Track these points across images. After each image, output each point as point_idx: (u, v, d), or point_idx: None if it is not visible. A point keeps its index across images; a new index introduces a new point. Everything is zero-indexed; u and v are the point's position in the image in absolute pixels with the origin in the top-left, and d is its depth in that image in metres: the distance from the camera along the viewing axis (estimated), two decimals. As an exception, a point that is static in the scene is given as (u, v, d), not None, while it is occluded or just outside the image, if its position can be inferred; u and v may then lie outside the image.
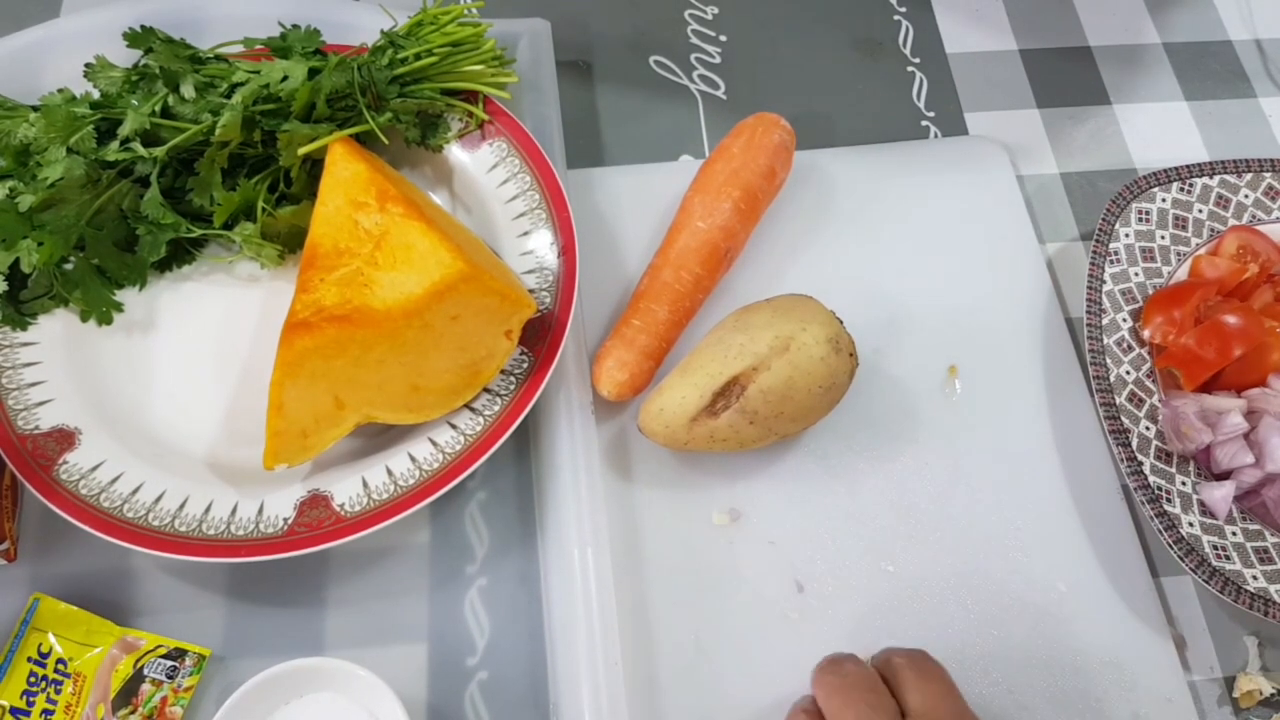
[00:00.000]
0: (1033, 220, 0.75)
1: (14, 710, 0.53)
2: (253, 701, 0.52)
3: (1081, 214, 0.76)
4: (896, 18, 0.85)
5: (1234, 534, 0.61)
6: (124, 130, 0.59)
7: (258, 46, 0.65)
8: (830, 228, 0.73)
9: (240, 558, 0.53)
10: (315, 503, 0.55)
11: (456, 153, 0.67)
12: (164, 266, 0.64)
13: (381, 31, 0.66)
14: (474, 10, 0.69)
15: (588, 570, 0.56)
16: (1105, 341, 0.65)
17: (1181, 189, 0.71)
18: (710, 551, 0.61)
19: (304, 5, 0.69)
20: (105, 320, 0.61)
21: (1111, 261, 0.68)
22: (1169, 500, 0.61)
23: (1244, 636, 0.62)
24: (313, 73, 0.61)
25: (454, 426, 0.58)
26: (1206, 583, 0.58)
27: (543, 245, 0.63)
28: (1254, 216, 0.72)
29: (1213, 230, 0.71)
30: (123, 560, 0.58)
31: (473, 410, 0.58)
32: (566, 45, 0.78)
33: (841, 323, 0.59)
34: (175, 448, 0.59)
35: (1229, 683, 0.60)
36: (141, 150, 0.59)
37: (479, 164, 0.67)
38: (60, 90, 0.61)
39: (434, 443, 0.57)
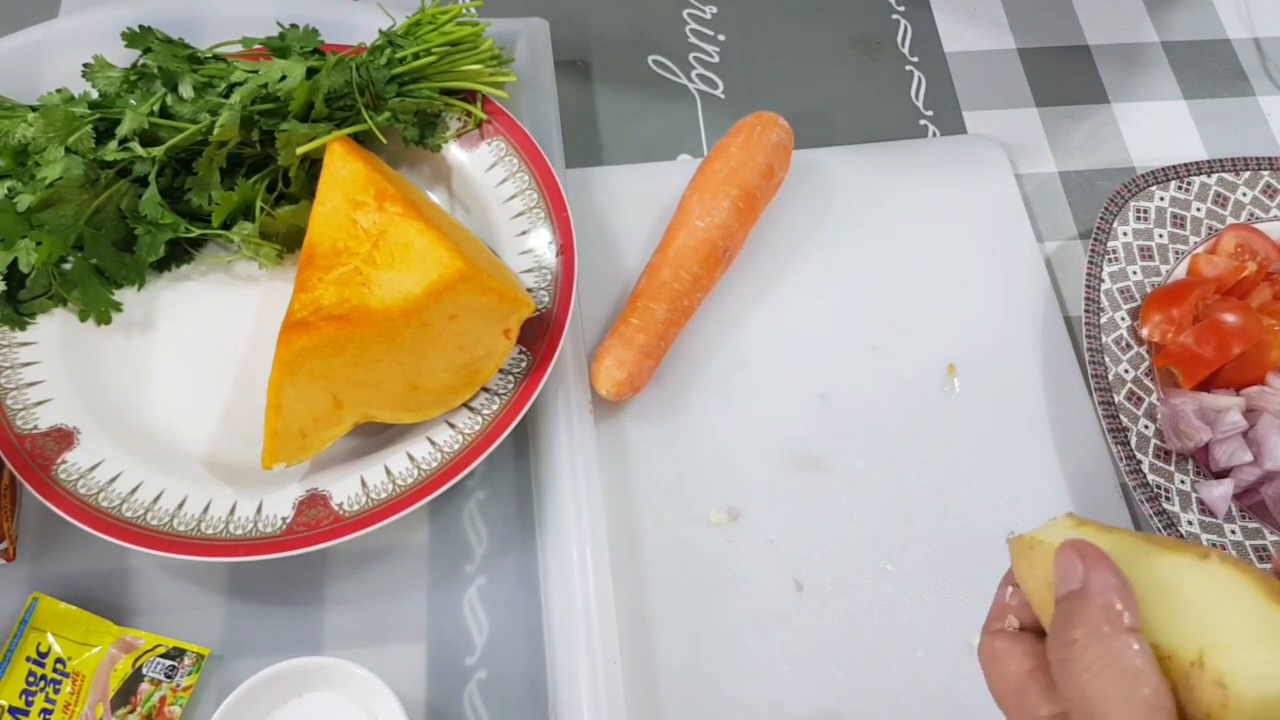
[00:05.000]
0: (1031, 219, 0.75)
1: (13, 710, 0.53)
2: (251, 701, 0.52)
3: (1080, 212, 0.76)
4: (895, 17, 0.85)
5: (1233, 532, 0.61)
6: (122, 130, 0.59)
7: (256, 46, 0.65)
8: (828, 227, 0.73)
9: (239, 557, 0.53)
10: (314, 502, 0.55)
11: (455, 152, 0.67)
12: (162, 266, 0.64)
13: (380, 31, 0.66)
14: (472, 10, 0.69)
15: (586, 569, 0.56)
16: (1104, 340, 0.65)
17: (1180, 187, 0.71)
18: (709, 550, 0.61)
19: (302, 5, 0.69)
20: (104, 320, 0.61)
21: (1110, 260, 0.68)
22: (1168, 499, 0.61)
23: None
24: (311, 72, 0.61)
25: (452, 425, 0.58)
26: (1205, 581, 0.58)
27: (541, 244, 0.63)
28: (1252, 215, 0.72)
29: (1211, 229, 0.71)
30: (121, 560, 0.58)
31: (471, 409, 0.58)
32: (565, 44, 0.78)
33: None
34: (174, 447, 0.59)
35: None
36: (140, 150, 0.59)
37: (477, 163, 0.67)
38: (59, 90, 0.61)
39: (432, 442, 0.57)
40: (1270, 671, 0.30)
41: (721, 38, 0.82)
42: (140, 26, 0.64)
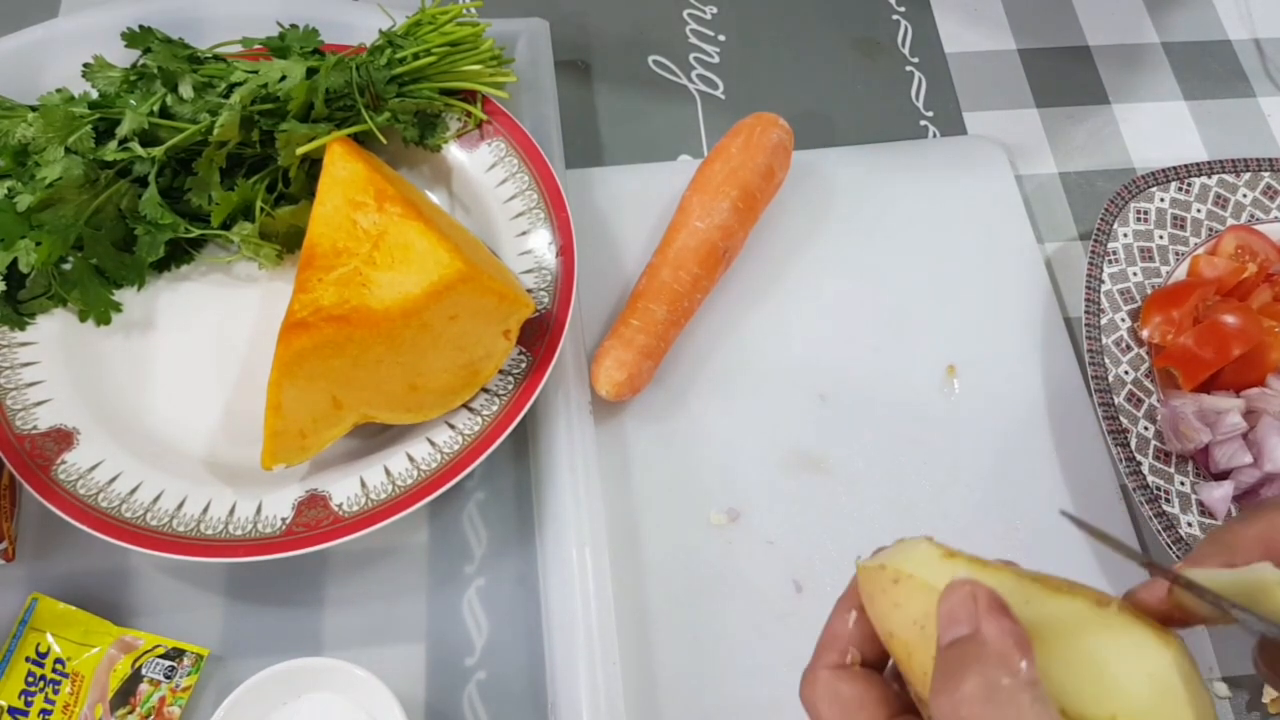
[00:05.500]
0: (1031, 220, 0.75)
1: (12, 710, 0.53)
2: (251, 701, 0.52)
3: (1080, 213, 0.76)
4: (895, 17, 0.85)
5: (1232, 533, 0.61)
6: (122, 130, 0.59)
7: (256, 46, 0.65)
8: (828, 227, 0.73)
9: (238, 558, 0.53)
10: (313, 503, 0.55)
11: (455, 152, 0.67)
12: (162, 266, 0.64)
13: (380, 31, 0.66)
14: (472, 10, 0.69)
15: (586, 570, 0.56)
16: (1104, 341, 0.65)
17: (1180, 188, 0.71)
18: (708, 551, 0.61)
19: (302, 5, 0.69)
20: (104, 320, 0.61)
21: (1110, 261, 0.68)
22: (1168, 500, 0.61)
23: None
24: (311, 72, 0.61)
25: (452, 426, 0.58)
26: (1205, 582, 0.58)
27: (541, 245, 0.63)
28: (1252, 216, 0.72)
29: (1211, 230, 0.71)
30: (121, 560, 0.58)
31: (471, 410, 0.58)
32: (565, 45, 0.78)
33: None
34: (173, 447, 0.59)
35: (1230, 682, 0.60)
36: (140, 150, 0.59)
37: (477, 163, 0.67)
38: (59, 90, 0.61)
39: (432, 442, 0.57)
40: None
41: (721, 38, 0.82)
42: (140, 26, 0.64)
